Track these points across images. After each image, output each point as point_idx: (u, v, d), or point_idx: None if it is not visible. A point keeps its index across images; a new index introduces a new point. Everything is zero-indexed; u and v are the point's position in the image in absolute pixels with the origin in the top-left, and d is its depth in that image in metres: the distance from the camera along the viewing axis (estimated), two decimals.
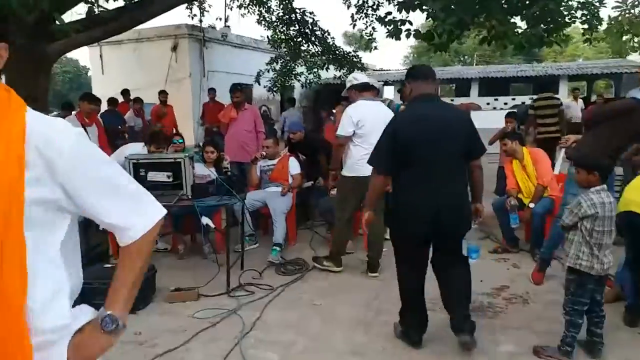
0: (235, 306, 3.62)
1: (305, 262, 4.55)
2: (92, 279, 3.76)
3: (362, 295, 3.83)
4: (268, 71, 13.76)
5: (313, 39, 13.30)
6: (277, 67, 13.77)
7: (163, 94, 10.18)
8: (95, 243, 4.11)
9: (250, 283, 4.06)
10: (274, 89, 14.07)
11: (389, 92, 20.60)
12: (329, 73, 14.40)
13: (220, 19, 15.67)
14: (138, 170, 4.16)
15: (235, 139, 5.99)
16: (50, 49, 8.18)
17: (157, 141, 4.90)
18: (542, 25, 6.31)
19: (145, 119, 9.35)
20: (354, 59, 13.67)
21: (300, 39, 13.43)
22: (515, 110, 8.23)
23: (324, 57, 13.62)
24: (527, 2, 5.96)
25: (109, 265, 3.83)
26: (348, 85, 4.27)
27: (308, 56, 13.74)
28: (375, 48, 13.08)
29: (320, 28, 13.34)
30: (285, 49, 13.72)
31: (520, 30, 6.15)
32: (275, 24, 13.42)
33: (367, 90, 4.20)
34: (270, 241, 4.83)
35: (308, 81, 14.51)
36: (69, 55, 39.66)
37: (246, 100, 6.34)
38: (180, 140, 5.83)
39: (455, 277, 2.93)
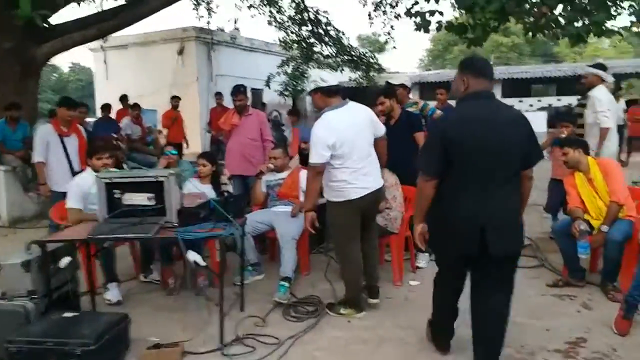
0: None
1: (320, 302, 3.66)
2: (41, 335, 2.91)
3: (397, 354, 2.95)
4: (279, 74, 13.00)
5: (327, 39, 12.52)
6: (289, 70, 13.00)
7: (175, 99, 9.99)
8: (57, 284, 3.27)
9: (250, 334, 3.18)
10: (285, 93, 13.29)
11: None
12: (344, 75, 13.56)
13: (230, 20, 14.97)
14: (112, 192, 3.33)
15: (237, 149, 5.12)
16: (39, 52, 7.49)
17: (99, 150, 4.04)
18: (594, 14, 5.39)
19: (145, 126, 8.58)
20: (371, 60, 12.83)
21: (313, 39, 12.65)
22: (560, 112, 7.26)
23: (338, 59, 12.82)
24: None
25: (71, 315, 2.98)
26: (312, 86, 3.41)
27: (321, 58, 12.95)
28: (394, 47, 12.33)
29: (334, 28, 12.56)
30: (297, 51, 12.95)
31: (573, 20, 5.20)
32: (287, 24, 12.66)
33: (335, 94, 3.37)
34: (277, 270, 3.98)
35: None
36: (82, 63, 39.61)
37: (255, 105, 5.51)
38: (174, 152, 5.04)
39: (495, 309, 2.56)
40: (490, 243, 2.35)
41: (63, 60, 55.28)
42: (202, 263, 3.11)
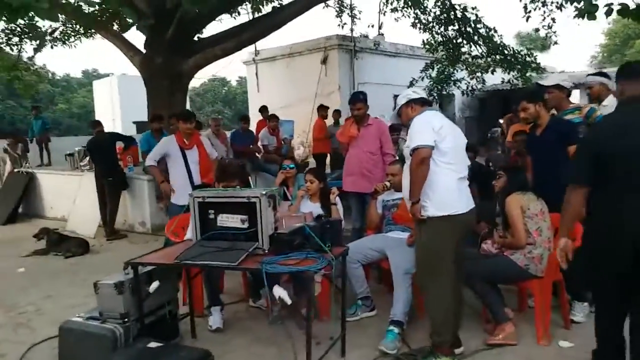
0: None
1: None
2: None
3: None
4: (422, 79, 12.23)
5: (476, 38, 11.38)
6: (433, 73, 12.15)
7: (323, 109, 9.45)
8: (152, 307, 3.14)
9: None
10: (429, 98, 12.48)
11: (575, 97, 17.31)
12: (496, 77, 12.27)
13: (373, 26, 14.62)
14: (206, 211, 3.12)
15: (354, 163, 4.64)
16: (185, 66, 7.95)
17: (228, 178, 3.89)
18: None
19: (280, 138, 8.59)
20: (527, 59, 11.36)
21: (460, 39, 11.63)
22: None
23: (489, 59, 11.60)
24: None
25: (155, 346, 2.79)
26: (404, 100, 3.07)
27: (470, 59, 11.85)
28: (556, 43, 10.63)
29: (484, 25, 11.36)
30: (443, 53, 12.05)
31: None
32: (432, 24, 11.85)
33: (429, 105, 3.13)
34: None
35: (470, 88, 12.58)
36: (246, 76, 43.22)
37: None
38: (291, 166, 4.72)
39: None
40: None
41: (233, 75, 61.36)
42: (288, 301, 2.70)
